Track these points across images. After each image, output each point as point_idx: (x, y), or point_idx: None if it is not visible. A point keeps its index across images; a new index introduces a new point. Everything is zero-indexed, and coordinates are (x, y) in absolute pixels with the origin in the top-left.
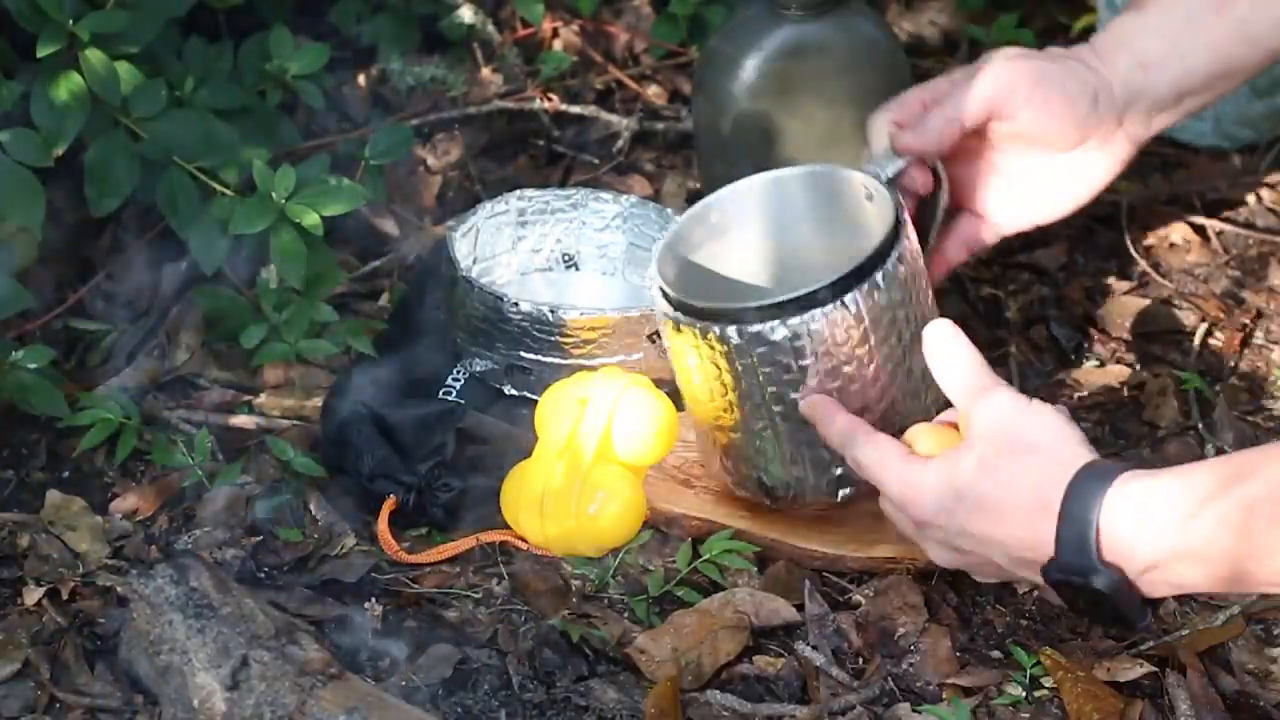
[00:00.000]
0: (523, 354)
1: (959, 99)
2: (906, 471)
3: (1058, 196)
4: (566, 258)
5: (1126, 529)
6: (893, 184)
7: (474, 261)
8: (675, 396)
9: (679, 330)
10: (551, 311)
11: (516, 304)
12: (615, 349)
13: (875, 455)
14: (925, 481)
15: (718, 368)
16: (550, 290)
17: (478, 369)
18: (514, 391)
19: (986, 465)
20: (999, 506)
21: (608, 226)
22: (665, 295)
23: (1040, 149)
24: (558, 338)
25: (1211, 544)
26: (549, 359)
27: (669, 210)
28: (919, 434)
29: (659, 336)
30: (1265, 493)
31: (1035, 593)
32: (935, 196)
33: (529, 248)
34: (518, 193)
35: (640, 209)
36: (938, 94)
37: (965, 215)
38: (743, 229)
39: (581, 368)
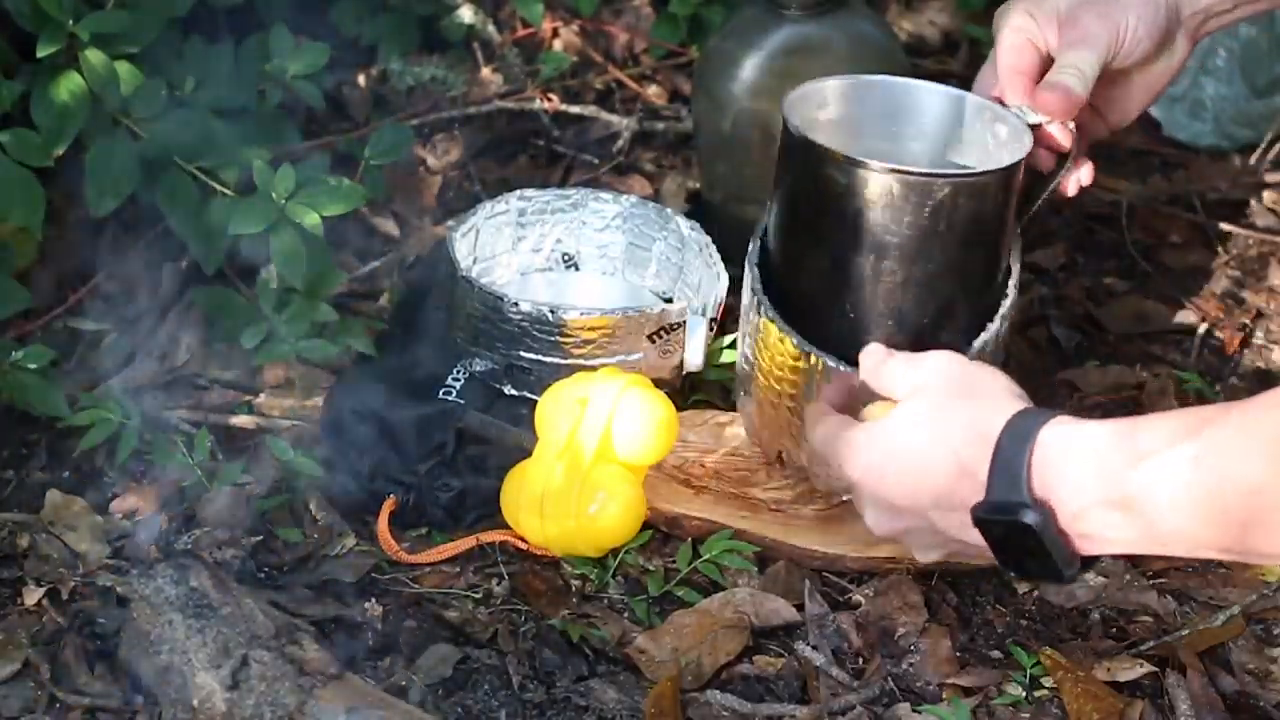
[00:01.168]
0: (523, 354)
1: (1085, 58)
2: (844, 433)
3: (1129, 102)
4: (566, 258)
5: (1057, 466)
6: (1033, 130)
7: (474, 261)
8: (675, 396)
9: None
10: (551, 311)
11: (516, 304)
12: (615, 349)
13: (824, 426)
14: (858, 440)
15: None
16: (550, 290)
17: (478, 369)
18: (514, 391)
19: (920, 417)
20: (931, 455)
21: (608, 226)
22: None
23: (1118, 65)
24: (558, 338)
25: (1147, 495)
26: (549, 359)
27: (669, 210)
28: (873, 407)
29: (659, 337)
30: (1212, 447)
31: (1035, 592)
32: (1066, 156)
33: (529, 248)
34: (518, 193)
35: (640, 209)
36: (1038, 41)
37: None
38: (851, 117)
39: (581, 368)
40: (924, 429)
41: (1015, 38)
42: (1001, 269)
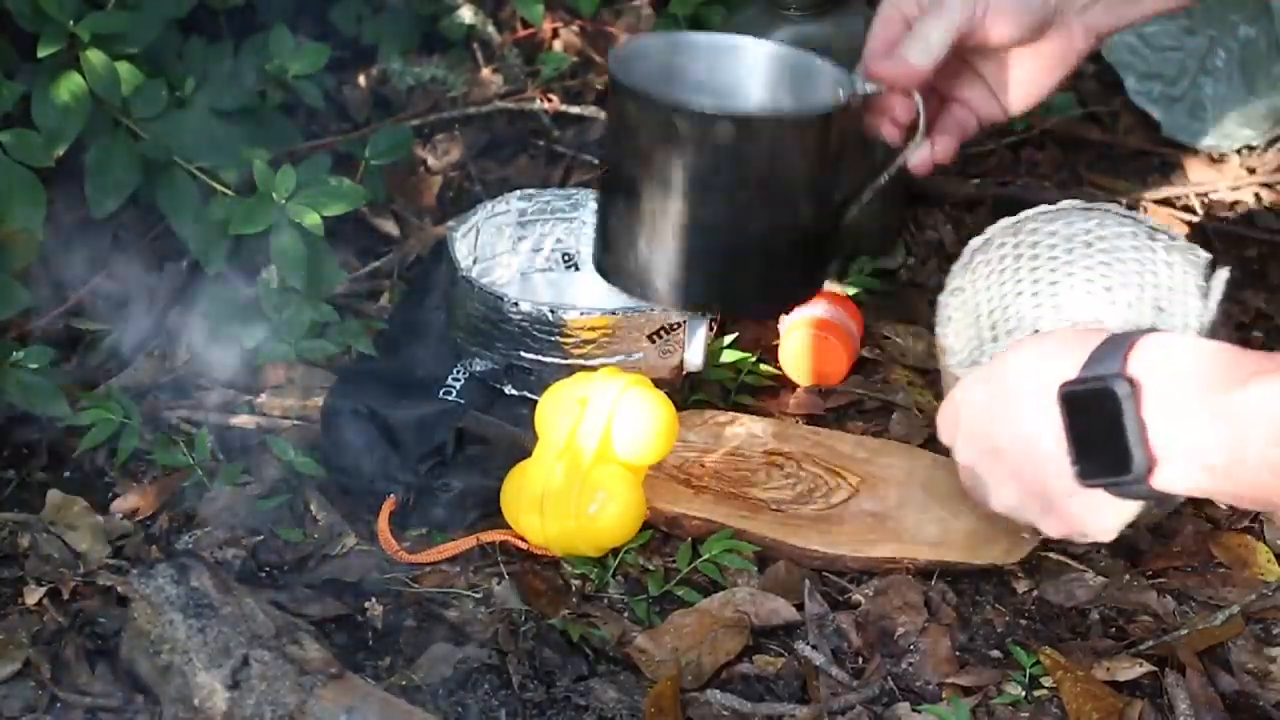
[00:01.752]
0: (523, 354)
1: (934, 27)
2: None
3: (1025, 87)
4: (566, 257)
5: (1156, 358)
6: (866, 100)
7: (474, 261)
8: (675, 396)
9: None
10: (551, 311)
11: (516, 304)
12: (615, 349)
13: None
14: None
15: None
16: (551, 290)
17: (478, 369)
18: (514, 391)
19: (1028, 342)
20: (1032, 362)
21: None
22: None
23: (1004, 49)
24: (557, 338)
25: (1250, 413)
26: (549, 359)
27: None
28: None
29: (659, 337)
30: None
31: (1035, 592)
32: (914, 127)
33: (529, 247)
34: (518, 193)
35: None
36: (910, 15)
37: (951, 104)
38: (698, 71)
39: (581, 368)
40: (1030, 348)
41: (887, 9)
42: (824, 230)
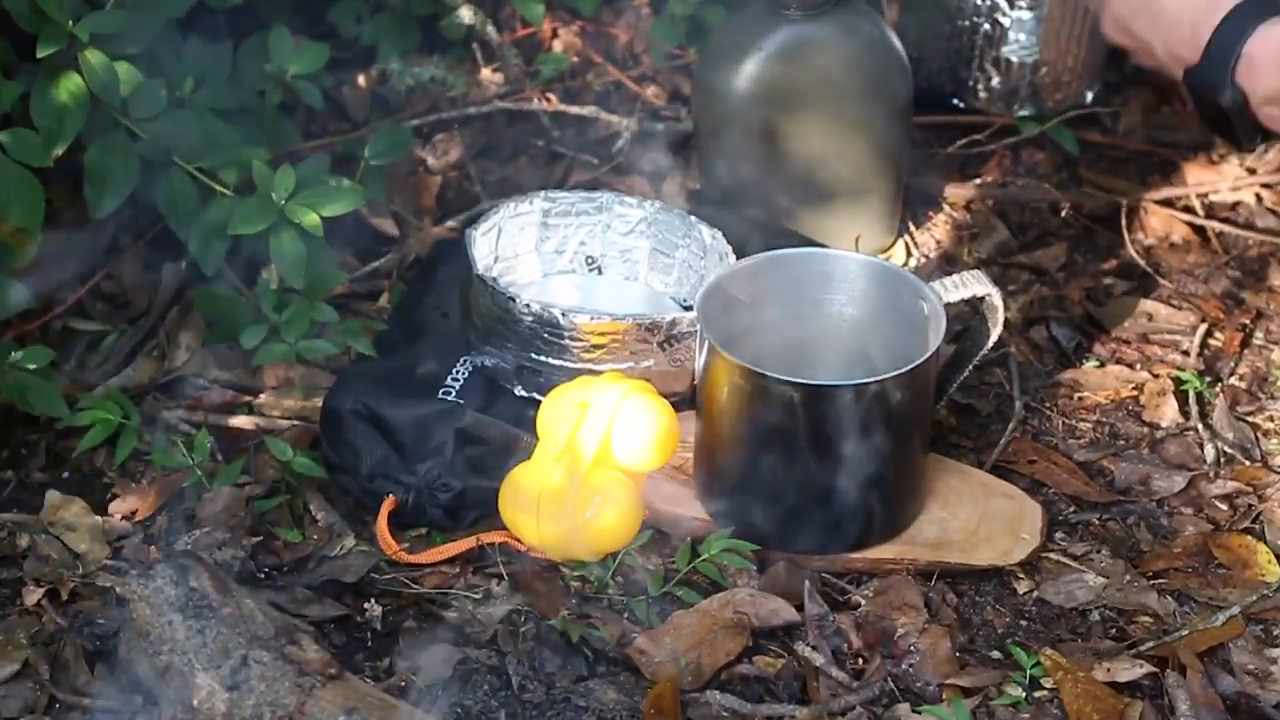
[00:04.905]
0: (533, 356)
1: None
2: None
3: None
4: (590, 260)
5: (1265, 65)
6: (950, 307)
7: (495, 260)
8: (679, 405)
9: None
10: (562, 315)
11: (528, 305)
12: (625, 355)
13: None
14: None
15: None
16: (573, 293)
17: (489, 364)
18: (524, 393)
19: None
20: (1172, 6)
21: (632, 231)
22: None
23: None
24: (568, 341)
25: None
26: (559, 362)
27: (692, 218)
28: None
29: (669, 344)
30: None
31: (1035, 593)
32: (983, 329)
33: (553, 249)
34: (543, 193)
35: (664, 214)
36: None
37: None
38: (781, 292)
39: (591, 372)
40: None
41: None
42: (922, 450)
